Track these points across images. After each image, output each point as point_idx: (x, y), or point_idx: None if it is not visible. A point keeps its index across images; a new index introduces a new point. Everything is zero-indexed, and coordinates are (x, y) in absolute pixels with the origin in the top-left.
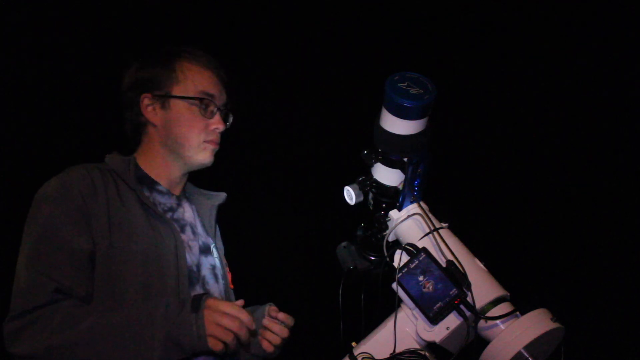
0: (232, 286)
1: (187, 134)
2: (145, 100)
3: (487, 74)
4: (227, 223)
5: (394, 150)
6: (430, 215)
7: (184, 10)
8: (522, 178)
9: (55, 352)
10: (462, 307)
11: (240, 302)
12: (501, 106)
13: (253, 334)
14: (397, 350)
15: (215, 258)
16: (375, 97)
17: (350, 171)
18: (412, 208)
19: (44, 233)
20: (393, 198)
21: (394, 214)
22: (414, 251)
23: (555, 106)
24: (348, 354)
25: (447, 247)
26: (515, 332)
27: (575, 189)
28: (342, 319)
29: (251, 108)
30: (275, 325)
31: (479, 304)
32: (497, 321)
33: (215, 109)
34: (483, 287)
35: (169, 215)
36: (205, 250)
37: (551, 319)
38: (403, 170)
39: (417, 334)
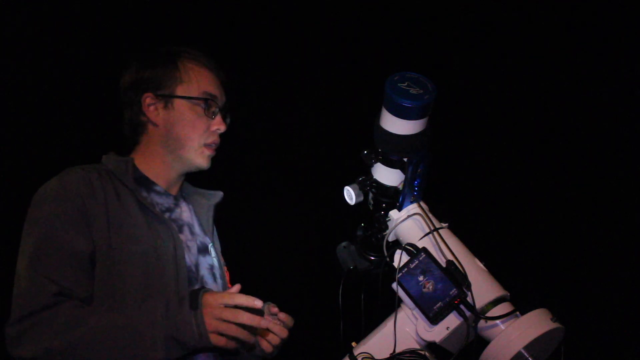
0: (230, 285)
1: (189, 134)
2: (147, 99)
3: (487, 74)
4: (228, 223)
5: (394, 150)
6: (430, 215)
7: (183, 10)
8: (522, 178)
9: (58, 354)
10: (462, 307)
11: (237, 287)
12: (501, 106)
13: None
14: (397, 350)
15: (213, 258)
16: (375, 97)
17: (350, 171)
18: (412, 208)
19: (44, 234)
20: (393, 198)
21: (394, 214)
22: (414, 251)
23: (555, 106)
24: (348, 354)
25: (447, 247)
26: (515, 332)
27: (575, 189)
28: (342, 319)
29: (251, 107)
30: (275, 326)
31: (479, 304)
32: (497, 321)
33: (217, 110)
34: (483, 287)
35: (167, 215)
36: (203, 250)
37: (551, 319)
38: (403, 170)
39: (417, 334)
